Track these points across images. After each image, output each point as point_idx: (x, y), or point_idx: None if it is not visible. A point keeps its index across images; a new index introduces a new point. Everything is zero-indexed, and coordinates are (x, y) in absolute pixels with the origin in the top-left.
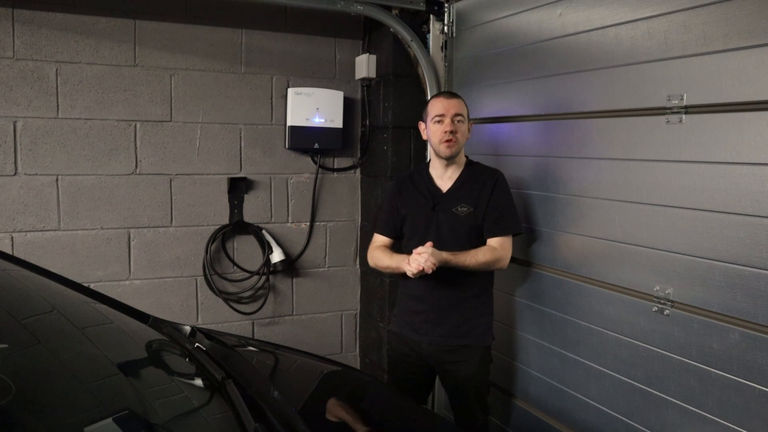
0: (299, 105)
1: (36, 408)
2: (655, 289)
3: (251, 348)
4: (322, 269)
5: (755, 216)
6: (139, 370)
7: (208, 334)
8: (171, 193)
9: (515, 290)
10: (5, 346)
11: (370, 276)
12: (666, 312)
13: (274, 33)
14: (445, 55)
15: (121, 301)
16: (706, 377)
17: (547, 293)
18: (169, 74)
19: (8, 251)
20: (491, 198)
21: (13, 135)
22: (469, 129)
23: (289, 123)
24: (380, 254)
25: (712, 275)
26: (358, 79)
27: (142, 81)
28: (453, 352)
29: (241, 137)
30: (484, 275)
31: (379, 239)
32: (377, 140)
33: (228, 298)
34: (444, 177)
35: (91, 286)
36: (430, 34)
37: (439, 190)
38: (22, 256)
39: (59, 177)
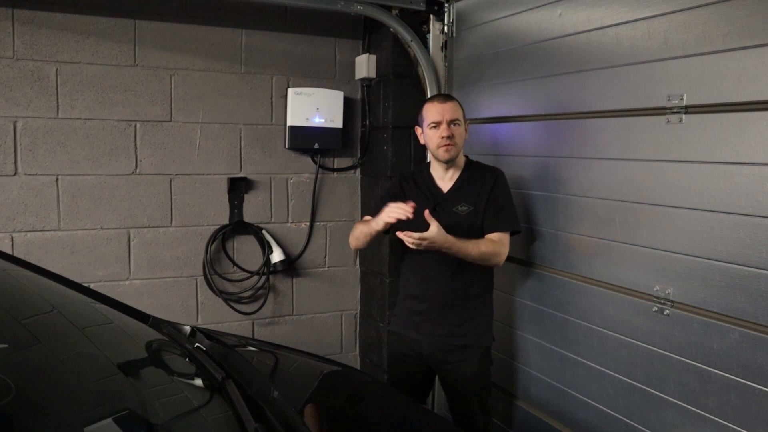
0: (299, 105)
1: (36, 408)
2: (655, 289)
3: (251, 348)
4: (322, 269)
5: (755, 216)
6: (139, 370)
7: (208, 334)
8: (171, 193)
9: (515, 290)
10: (5, 346)
11: (370, 276)
12: (666, 312)
13: (274, 33)
14: (445, 55)
15: (121, 301)
16: (706, 377)
17: (547, 293)
18: (169, 74)
19: (8, 251)
20: (491, 195)
21: (13, 135)
22: (466, 130)
23: (289, 123)
24: (358, 225)
25: (712, 275)
26: (358, 79)
27: (142, 81)
28: (453, 352)
29: (241, 137)
30: (484, 276)
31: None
32: (377, 140)
33: (228, 298)
34: (445, 178)
35: (91, 286)
36: (430, 34)
37: (440, 190)
38: (22, 256)
39: (59, 177)
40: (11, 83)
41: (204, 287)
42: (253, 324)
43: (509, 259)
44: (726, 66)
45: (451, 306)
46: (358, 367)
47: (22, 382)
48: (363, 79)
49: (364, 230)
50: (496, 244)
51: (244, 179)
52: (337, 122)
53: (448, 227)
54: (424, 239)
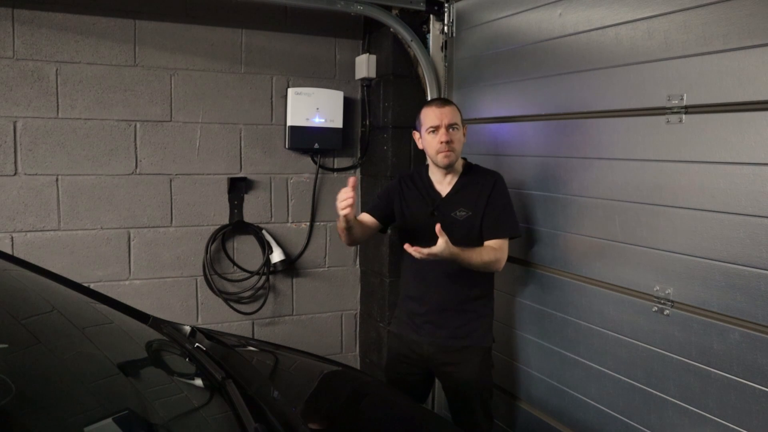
0: (299, 105)
1: (36, 408)
2: (655, 289)
3: (251, 348)
4: (322, 269)
5: (755, 216)
6: (139, 370)
7: (208, 334)
8: (171, 193)
9: (515, 290)
10: (5, 346)
11: (370, 276)
12: (666, 312)
13: (274, 33)
14: (445, 55)
15: (121, 301)
16: (706, 377)
17: (547, 293)
18: (169, 74)
19: (8, 251)
20: (489, 200)
21: (13, 135)
22: (464, 134)
23: (289, 123)
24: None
25: (712, 275)
26: (358, 79)
27: (142, 81)
28: (453, 354)
29: (241, 137)
30: (485, 277)
31: (362, 215)
32: (377, 140)
33: (228, 298)
34: (443, 182)
35: (91, 286)
36: (430, 34)
37: (438, 194)
38: (22, 256)
39: (59, 177)
40: (11, 83)
41: (204, 287)
42: (253, 324)
43: (509, 259)
44: (726, 66)
45: (451, 308)
46: (358, 367)
47: (22, 382)
48: (363, 79)
49: (339, 226)
50: (496, 251)
51: (244, 179)
52: (337, 122)
53: (447, 231)
54: (432, 254)
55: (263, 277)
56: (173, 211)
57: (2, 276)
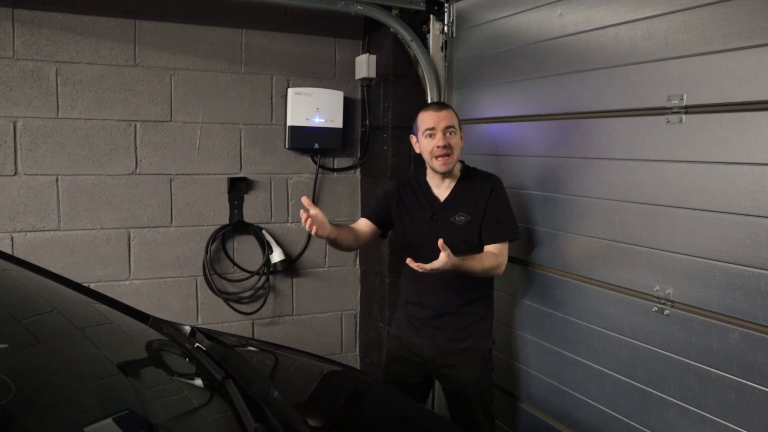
0: (299, 105)
1: (36, 408)
2: (655, 289)
3: (251, 348)
4: (322, 269)
5: (755, 216)
6: (139, 370)
7: (208, 334)
8: (171, 193)
9: (515, 290)
10: (5, 346)
11: (370, 276)
12: (666, 312)
13: (274, 33)
14: (445, 55)
15: (121, 301)
16: (706, 377)
17: (547, 293)
18: (169, 74)
19: (8, 251)
20: (488, 205)
21: (13, 135)
22: (461, 138)
23: (289, 123)
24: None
25: (712, 275)
26: (358, 79)
27: (142, 81)
28: (453, 356)
29: (241, 137)
30: (484, 280)
31: (360, 221)
32: (377, 140)
33: (228, 298)
34: (441, 186)
35: (91, 286)
36: (430, 34)
37: (437, 199)
38: (22, 256)
39: (59, 177)
40: (11, 83)
41: (204, 287)
42: (253, 324)
43: (509, 259)
44: (726, 66)
45: (451, 311)
46: (358, 367)
47: (22, 382)
48: (363, 79)
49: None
50: (497, 256)
51: (244, 179)
52: (337, 122)
53: (446, 236)
54: (435, 268)
55: (263, 277)
56: (173, 211)
57: (2, 276)
